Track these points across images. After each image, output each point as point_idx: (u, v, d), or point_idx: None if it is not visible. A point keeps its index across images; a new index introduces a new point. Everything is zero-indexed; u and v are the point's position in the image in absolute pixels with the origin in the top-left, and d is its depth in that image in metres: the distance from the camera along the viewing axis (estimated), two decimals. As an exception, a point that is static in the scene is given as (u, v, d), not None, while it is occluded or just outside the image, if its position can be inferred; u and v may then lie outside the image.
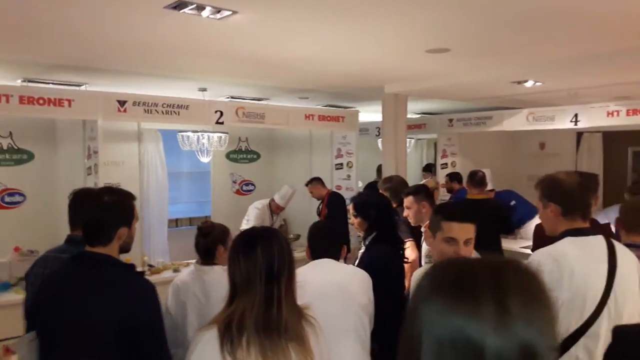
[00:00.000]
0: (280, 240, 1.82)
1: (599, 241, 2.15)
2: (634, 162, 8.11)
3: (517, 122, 6.46)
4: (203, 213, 8.23)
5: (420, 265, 3.64)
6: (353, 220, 3.17)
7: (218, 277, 2.62)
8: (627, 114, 5.43)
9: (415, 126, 7.67)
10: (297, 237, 6.67)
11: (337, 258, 2.61)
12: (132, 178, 6.65)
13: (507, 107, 7.01)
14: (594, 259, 2.09)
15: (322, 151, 7.10)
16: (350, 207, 3.18)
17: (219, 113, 5.42)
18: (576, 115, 5.93)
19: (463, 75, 5.22)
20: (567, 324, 2.03)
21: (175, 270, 5.15)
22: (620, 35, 3.88)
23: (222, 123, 5.48)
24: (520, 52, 4.40)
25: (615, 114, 5.54)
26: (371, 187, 6.69)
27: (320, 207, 6.14)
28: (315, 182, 6.13)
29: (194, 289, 2.65)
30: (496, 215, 4.81)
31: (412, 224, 3.58)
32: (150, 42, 3.96)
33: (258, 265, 1.73)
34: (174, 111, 5.07)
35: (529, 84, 5.52)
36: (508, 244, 5.64)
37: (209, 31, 3.57)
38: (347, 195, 6.40)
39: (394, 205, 3.84)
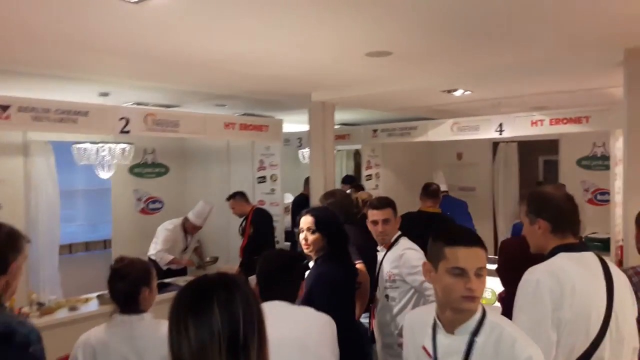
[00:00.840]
0: (245, 291, 1.27)
1: (592, 257, 1.96)
2: (545, 170, 8.41)
3: (442, 132, 6.34)
4: (102, 236, 7.30)
5: (375, 291, 3.23)
6: (307, 235, 2.68)
7: (151, 329, 2.01)
8: (550, 123, 5.48)
9: (339, 137, 7.32)
10: (215, 259, 6.02)
11: (293, 299, 2.11)
12: (16, 198, 5.66)
13: (428, 118, 6.91)
14: (592, 275, 1.91)
15: (241, 163, 6.53)
16: (307, 220, 2.68)
17: (124, 121, 4.68)
18: (501, 125, 5.90)
19: (397, 83, 4.95)
20: (570, 347, 1.81)
21: (72, 309, 4.30)
22: (553, 44, 3.79)
23: (128, 132, 4.74)
24: (459, 58, 4.20)
25: (539, 123, 5.57)
26: (300, 200, 6.28)
27: (244, 225, 5.56)
28: (238, 197, 5.55)
29: (122, 350, 1.99)
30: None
31: (382, 242, 3.15)
32: (41, 32, 3.21)
33: (216, 332, 1.17)
34: (71, 118, 4.26)
35: (459, 92, 5.39)
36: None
37: (121, 19, 2.92)
38: (273, 210, 5.89)
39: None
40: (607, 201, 6.81)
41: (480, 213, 7.82)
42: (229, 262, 5.88)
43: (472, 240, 1.58)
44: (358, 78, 4.88)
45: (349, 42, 3.57)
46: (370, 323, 3.37)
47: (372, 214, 3.07)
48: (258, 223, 5.42)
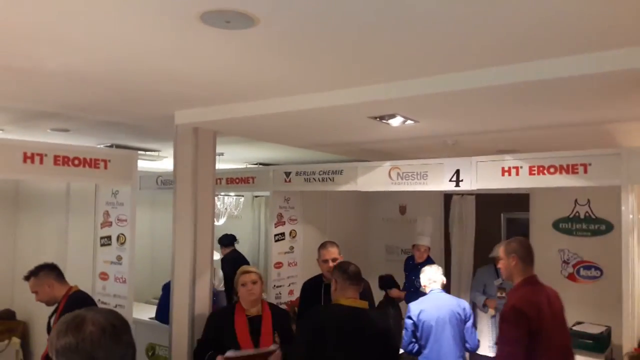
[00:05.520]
0: None
1: None
2: (508, 229, 6.73)
3: (377, 179, 4.52)
4: None
5: None
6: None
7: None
8: (530, 173, 3.74)
9: (240, 180, 5.41)
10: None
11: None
12: None
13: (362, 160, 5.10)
14: None
15: (83, 215, 4.45)
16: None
17: None
18: (457, 173, 4.14)
19: (299, 96, 3.12)
20: None
21: None
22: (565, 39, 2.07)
23: None
24: (393, 59, 2.41)
25: (513, 171, 3.83)
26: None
27: (53, 318, 3.43)
28: (43, 274, 3.41)
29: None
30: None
31: None
32: None
33: None
34: None
35: (397, 121, 3.59)
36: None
37: None
38: (109, 289, 3.82)
39: None
40: (595, 277, 5.20)
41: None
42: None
43: None
44: (239, 88, 3.00)
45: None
46: None
47: None
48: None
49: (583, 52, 2.29)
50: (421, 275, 3.99)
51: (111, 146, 5.17)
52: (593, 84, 2.61)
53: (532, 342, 2.61)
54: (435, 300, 3.80)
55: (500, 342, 2.76)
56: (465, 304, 3.83)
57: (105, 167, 3.70)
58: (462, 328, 3.75)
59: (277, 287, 5.26)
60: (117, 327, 1.55)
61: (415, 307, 3.79)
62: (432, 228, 5.33)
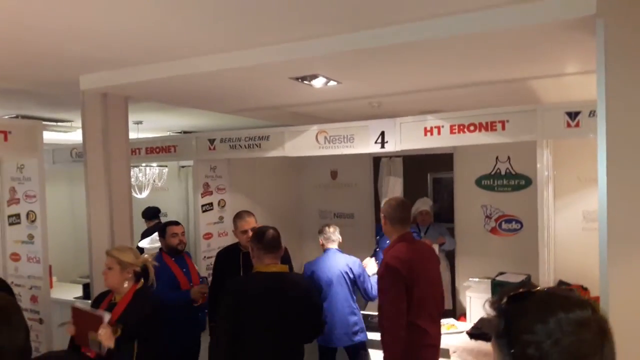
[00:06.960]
0: None
1: None
2: (434, 188, 6.92)
3: (305, 144, 4.45)
4: None
5: None
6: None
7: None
8: (451, 131, 3.80)
9: (161, 149, 5.16)
10: None
11: None
12: None
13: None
14: None
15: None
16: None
17: None
18: (382, 135, 4.14)
19: (215, 55, 2.95)
20: None
21: None
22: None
23: None
24: (309, 15, 2.30)
25: (435, 131, 3.88)
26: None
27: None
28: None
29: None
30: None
31: None
32: None
33: None
34: None
35: (319, 82, 3.51)
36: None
37: None
38: (31, 270, 3.57)
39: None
40: (516, 230, 5.46)
41: (360, 245, 6.04)
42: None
43: None
44: (147, 48, 2.79)
45: None
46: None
47: None
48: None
49: (498, 6, 2.29)
50: (320, 235, 3.93)
51: (17, 117, 4.77)
52: (509, 39, 2.63)
53: (407, 295, 2.77)
54: (328, 261, 3.80)
55: (379, 293, 2.91)
56: (355, 263, 3.81)
57: (6, 139, 3.38)
58: (352, 286, 3.79)
59: (208, 258, 5.13)
60: (4, 309, 1.41)
61: (307, 269, 3.80)
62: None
